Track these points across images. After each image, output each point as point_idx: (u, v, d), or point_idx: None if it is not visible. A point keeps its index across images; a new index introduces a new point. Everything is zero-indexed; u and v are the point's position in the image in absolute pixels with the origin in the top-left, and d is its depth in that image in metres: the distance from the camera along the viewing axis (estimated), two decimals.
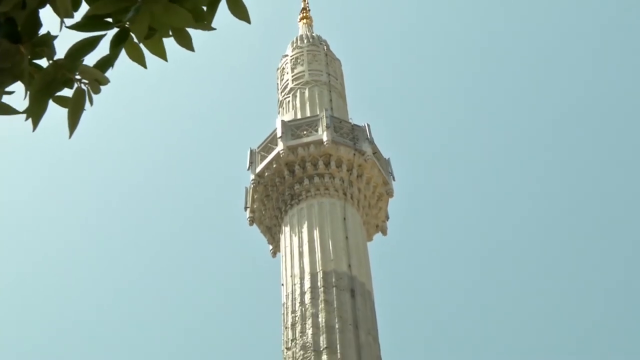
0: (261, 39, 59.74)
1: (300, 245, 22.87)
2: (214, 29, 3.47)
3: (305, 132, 25.49)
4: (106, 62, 3.35)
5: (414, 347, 49.69)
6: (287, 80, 28.67)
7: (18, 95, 3.41)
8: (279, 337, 21.63)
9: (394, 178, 26.20)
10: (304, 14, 33.05)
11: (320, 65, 28.96)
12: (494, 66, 62.39)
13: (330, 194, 24.10)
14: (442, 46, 63.50)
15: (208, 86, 64.41)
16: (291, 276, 22.34)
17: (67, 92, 3.36)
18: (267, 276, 51.33)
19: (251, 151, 25.99)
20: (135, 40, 3.37)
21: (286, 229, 23.84)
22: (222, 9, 3.50)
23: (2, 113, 3.41)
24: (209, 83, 64.02)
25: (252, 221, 25.51)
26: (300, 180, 24.46)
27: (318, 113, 26.28)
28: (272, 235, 25.07)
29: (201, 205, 60.37)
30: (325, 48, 29.98)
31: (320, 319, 20.75)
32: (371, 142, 25.62)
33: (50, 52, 3.30)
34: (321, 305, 21.05)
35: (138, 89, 59.25)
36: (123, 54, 3.40)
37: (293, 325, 21.11)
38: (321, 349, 20.16)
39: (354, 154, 24.92)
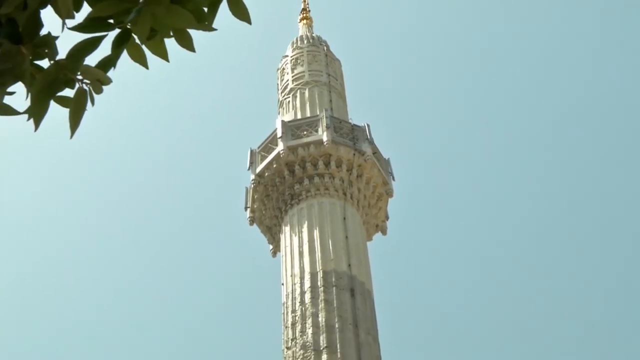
0: (261, 40, 59.82)
1: (301, 245, 22.92)
2: (215, 29, 3.47)
3: (305, 132, 25.54)
4: (108, 63, 3.36)
5: (414, 346, 49.74)
6: (287, 80, 28.72)
7: (19, 95, 3.42)
8: (279, 336, 21.69)
9: (393, 178, 26.25)
10: (304, 15, 33.10)
11: (320, 66, 29.01)
12: (494, 66, 62.47)
13: (330, 194, 24.15)
14: (442, 47, 63.56)
15: (208, 86, 64.47)
16: (291, 276, 22.39)
17: (68, 92, 3.36)
18: (267, 276, 51.41)
19: (251, 151, 26.04)
20: (137, 41, 3.37)
21: (286, 229, 23.89)
22: (223, 9, 3.51)
23: (3, 114, 3.42)
24: (209, 83, 64.09)
25: (252, 221, 25.55)
26: (300, 180, 24.51)
27: (318, 113, 26.32)
28: (272, 235, 25.12)
29: (201, 205, 60.43)
30: (325, 48, 30.03)
31: (320, 319, 20.80)
32: (371, 142, 25.67)
33: (51, 52, 3.31)
34: (321, 305, 21.10)
35: (138, 89, 59.33)
36: (123, 54, 3.41)
37: (293, 324, 21.15)
38: (321, 349, 20.20)
39: (354, 154, 24.96)
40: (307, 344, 20.41)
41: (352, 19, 62.93)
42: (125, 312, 58.18)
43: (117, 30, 3.36)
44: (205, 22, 3.44)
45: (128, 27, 3.32)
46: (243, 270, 59.36)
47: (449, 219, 59.44)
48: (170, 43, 3.47)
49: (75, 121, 3.35)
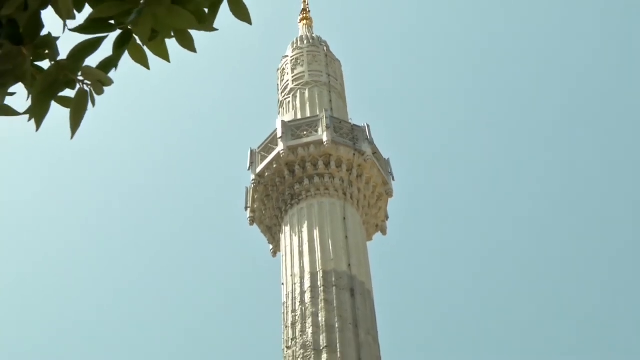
0: (261, 40, 59.85)
1: (301, 245, 22.94)
2: (216, 29, 3.47)
3: (305, 133, 25.56)
4: (109, 64, 3.36)
5: (414, 346, 49.77)
6: (287, 80, 28.74)
7: (19, 96, 3.41)
8: (279, 336, 21.71)
9: (393, 178, 26.28)
10: (304, 15, 33.13)
11: (320, 66, 29.04)
12: (494, 66, 62.49)
13: (330, 194, 24.17)
14: (442, 47, 63.58)
15: (209, 86, 64.49)
16: (291, 275, 22.42)
17: (69, 93, 3.36)
18: (267, 276, 51.48)
19: (251, 151, 26.07)
20: (138, 42, 3.37)
21: (286, 229, 23.91)
22: (223, 10, 3.51)
23: (3, 114, 3.41)
24: (209, 83, 64.12)
25: (252, 221, 25.58)
26: (300, 180, 24.54)
27: (318, 113, 26.35)
28: (273, 235, 25.15)
29: (201, 205, 60.45)
30: (325, 49, 30.06)
31: (320, 318, 20.82)
32: (371, 142, 25.70)
33: (52, 53, 3.31)
34: (321, 305, 21.12)
35: (139, 89, 59.36)
36: (124, 54, 3.41)
37: (293, 324, 21.18)
38: (321, 348, 20.23)
39: (354, 154, 24.99)
40: (307, 343, 20.44)
41: (352, 19, 62.99)
42: (125, 312, 58.24)
43: (118, 31, 3.36)
44: (206, 23, 3.44)
45: (129, 28, 3.32)
46: (243, 270, 59.42)
47: (449, 219, 59.50)
48: (171, 43, 3.47)
49: (76, 122, 3.35)
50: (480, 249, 58.14)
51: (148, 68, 3.46)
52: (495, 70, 62.85)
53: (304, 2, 33.93)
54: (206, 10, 3.47)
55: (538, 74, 60.71)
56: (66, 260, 60.29)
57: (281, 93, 28.66)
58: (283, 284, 22.67)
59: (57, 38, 3.33)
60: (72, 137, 3.38)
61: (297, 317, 21.21)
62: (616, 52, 59.18)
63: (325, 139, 24.85)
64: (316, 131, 25.45)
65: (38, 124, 3.35)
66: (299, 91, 27.97)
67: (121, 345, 55.11)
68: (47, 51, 3.32)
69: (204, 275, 61.01)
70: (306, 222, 23.42)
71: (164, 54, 3.47)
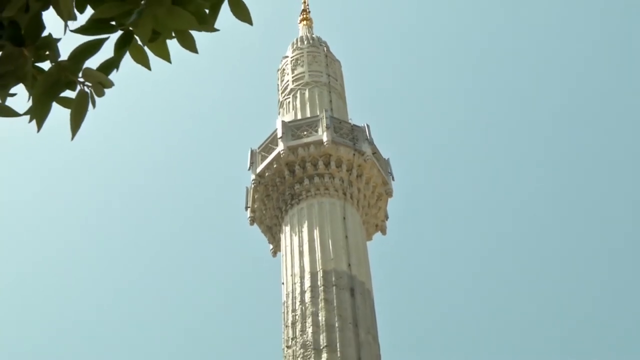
0: (262, 40, 59.90)
1: (301, 245, 22.99)
2: (217, 30, 3.46)
3: (305, 133, 25.61)
4: (110, 65, 3.36)
5: (414, 345, 49.79)
6: (288, 81, 28.79)
7: (20, 96, 3.41)
8: (280, 335, 21.76)
9: (393, 178, 26.33)
10: (304, 16, 33.18)
11: (320, 67, 29.09)
12: (494, 66, 62.52)
13: (330, 194, 24.22)
14: (442, 47, 63.63)
15: (209, 87, 64.54)
16: (291, 275, 22.46)
17: (70, 94, 3.36)
18: (267, 275, 51.54)
19: (252, 151, 26.12)
20: (139, 42, 3.37)
21: (286, 229, 23.96)
22: (223, 10, 3.51)
23: (4, 115, 3.41)
24: (209, 84, 64.16)
25: (252, 221, 25.63)
26: (300, 180, 24.59)
27: (318, 114, 26.40)
28: (273, 235, 25.19)
29: (201, 205, 60.49)
30: (325, 49, 30.11)
31: (320, 318, 20.87)
32: (371, 142, 25.75)
33: (53, 54, 3.31)
34: (321, 304, 21.17)
35: (139, 89, 59.38)
36: (125, 55, 3.40)
37: (293, 323, 21.23)
38: (321, 348, 20.27)
39: (354, 154, 25.04)
40: (307, 343, 20.48)
41: (352, 19, 63.04)
42: (125, 312, 58.26)
43: (119, 33, 3.36)
44: (207, 23, 3.43)
45: (130, 29, 3.32)
46: (243, 270, 59.48)
47: (449, 218, 59.54)
48: (171, 44, 3.47)
49: (76, 123, 3.35)
50: (480, 249, 58.21)
51: (149, 69, 3.46)
52: (495, 70, 62.93)
53: (304, 2, 33.98)
54: (207, 10, 3.46)
55: (538, 74, 60.78)
56: (66, 260, 60.37)
57: (281, 93, 28.71)
58: (283, 283, 22.72)
59: (59, 40, 3.33)
60: (72, 139, 3.38)
61: (297, 317, 21.26)
62: (616, 52, 59.26)
63: (325, 139, 24.89)
64: (316, 131, 25.50)
65: (39, 125, 3.35)
66: (299, 91, 28.01)
67: (121, 345, 55.18)
68: (47, 52, 3.32)
69: (204, 275, 61.09)
70: (306, 222, 23.47)
71: (164, 55, 3.46)
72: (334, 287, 21.58)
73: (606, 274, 56.88)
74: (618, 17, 59.34)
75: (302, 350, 20.40)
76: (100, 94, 3.33)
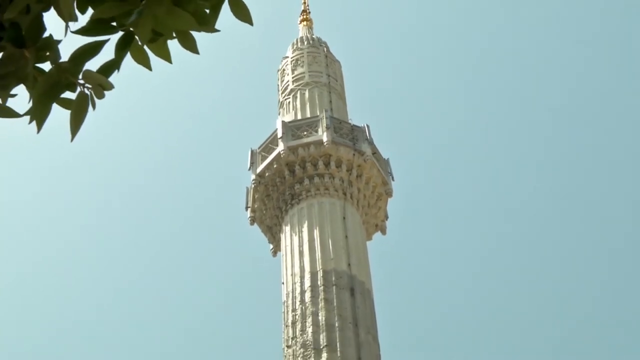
0: (262, 41, 59.93)
1: (301, 245, 23.02)
2: (218, 31, 3.46)
3: (305, 133, 25.64)
4: (111, 66, 3.36)
5: (413, 345, 49.82)
6: (288, 81, 28.82)
7: (21, 97, 3.41)
8: (280, 335, 21.78)
9: (393, 178, 26.35)
10: (304, 16, 33.20)
11: (320, 67, 29.12)
12: (494, 66, 62.55)
13: (330, 194, 24.25)
14: (442, 47, 63.66)
15: (209, 87, 64.57)
16: (291, 275, 22.49)
17: (70, 95, 3.35)
18: (267, 275, 51.56)
19: (252, 151, 26.15)
20: (140, 43, 3.37)
21: (286, 229, 23.99)
22: (223, 10, 3.50)
23: (5, 116, 3.41)
24: (210, 84, 64.19)
25: (252, 221, 25.66)
26: (300, 180, 24.61)
27: (318, 114, 26.43)
28: (273, 235, 25.22)
29: (201, 205, 60.51)
30: (325, 50, 30.14)
31: (320, 318, 20.89)
32: (370, 142, 25.79)
33: (54, 55, 3.31)
34: (321, 304, 21.20)
35: (139, 89, 59.37)
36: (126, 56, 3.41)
37: (293, 323, 21.25)
38: (321, 347, 20.30)
39: (354, 154, 25.07)
40: (307, 342, 20.51)
41: (352, 19, 63.08)
42: (125, 312, 58.30)
43: (119, 34, 3.36)
44: (207, 24, 3.42)
45: (131, 29, 3.32)
46: (243, 270, 59.52)
47: (449, 218, 59.57)
48: (172, 44, 3.46)
49: (76, 125, 3.34)
50: (480, 249, 58.24)
51: (150, 69, 3.46)
52: (495, 70, 62.96)
53: (304, 3, 34.01)
54: (207, 11, 3.45)
55: (538, 74, 60.80)
56: (66, 260, 60.39)
57: (281, 94, 28.74)
58: (283, 283, 22.75)
59: (59, 41, 3.34)
60: (72, 140, 3.39)
61: (297, 316, 21.29)
62: (616, 52, 59.27)
63: (325, 139, 24.93)
64: (316, 131, 25.53)
65: (39, 126, 3.36)
66: (299, 92, 28.04)
67: (121, 345, 55.19)
68: (48, 53, 3.32)
69: (204, 275, 61.11)
70: (306, 222, 23.50)
71: (165, 55, 3.46)
72: (334, 287, 21.61)
73: (606, 274, 56.93)
74: (618, 17, 59.39)
75: (302, 350, 20.43)
76: (100, 96, 3.33)
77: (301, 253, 22.78)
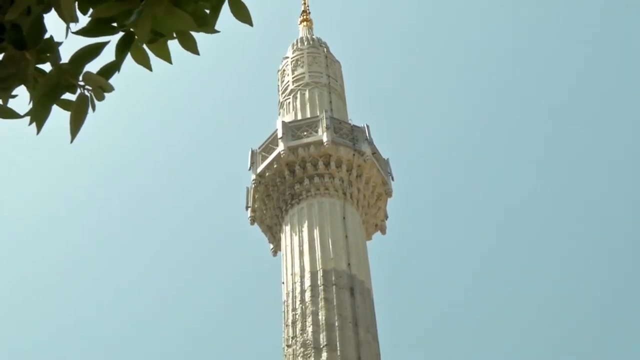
0: (262, 41, 59.96)
1: (301, 244, 23.05)
2: (218, 31, 3.46)
3: (305, 133, 25.67)
4: (112, 68, 3.37)
5: (413, 345, 49.85)
6: (288, 81, 28.84)
7: (21, 98, 3.42)
8: (280, 334, 21.81)
9: (392, 178, 26.38)
10: (305, 17, 33.23)
11: (320, 67, 29.15)
12: (494, 66, 62.57)
13: (330, 194, 24.27)
14: (442, 47, 63.68)
15: (209, 87, 64.61)
16: (291, 274, 22.52)
17: (70, 96, 3.36)
18: (267, 275, 51.57)
19: (252, 151, 26.18)
20: (140, 43, 3.37)
21: (287, 228, 24.02)
22: (223, 11, 3.50)
23: (6, 117, 3.42)
24: (210, 84, 64.23)
25: (253, 221, 25.69)
26: (300, 180, 24.64)
27: (318, 114, 26.46)
28: (273, 235, 25.25)
29: (201, 205, 60.52)
30: (325, 50, 30.17)
31: (320, 317, 20.92)
32: (370, 142, 25.81)
33: (54, 57, 3.31)
34: (321, 304, 21.22)
35: (140, 90, 59.39)
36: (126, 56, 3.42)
37: (293, 323, 21.28)
38: (321, 347, 20.33)
39: (354, 155, 25.10)
40: (307, 342, 20.53)
41: (352, 20, 63.11)
42: (125, 312, 58.33)
43: (120, 35, 3.36)
44: (207, 25, 3.42)
45: (131, 30, 3.33)
46: (243, 270, 59.55)
47: (449, 218, 59.59)
48: (172, 44, 3.47)
49: (76, 126, 3.35)
50: (479, 249, 58.26)
51: (150, 69, 3.47)
52: (495, 70, 62.98)
53: (304, 3, 34.03)
54: (207, 11, 3.46)
55: (538, 73, 60.82)
56: (66, 260, 60.42)
57: (281, 94, 28.76)
58: (283, 283, 22.78)
59: (60, 43, 3.35)
60: (71, 141, 3.40)
61: (297, 316, 21.31)
62: (616, 52, 59.29)
63: (325, 139, 24.95)
64: (316, 132, 25.56)
65: (39, 127, 3.36)
66: (299, 92, 28.07)
67: (121, 345, 55.22)
68: (49, 55, 3.33)
69: (204, 275, 61.14)
70: (306, 222, 23.53)
71: (165, 56, 3.46)
72: (334, 287, 21.64)
73: (606, 274, 56.94)
74: (618, 17, 59.41)
75: (302, 349, 20.46)
76: (100, 98, 3.33)
77: (301, 253, 22.80)
